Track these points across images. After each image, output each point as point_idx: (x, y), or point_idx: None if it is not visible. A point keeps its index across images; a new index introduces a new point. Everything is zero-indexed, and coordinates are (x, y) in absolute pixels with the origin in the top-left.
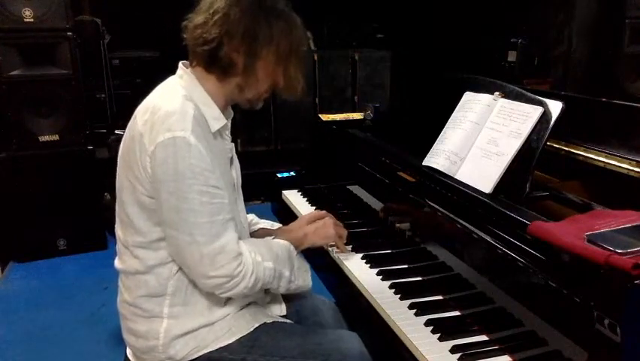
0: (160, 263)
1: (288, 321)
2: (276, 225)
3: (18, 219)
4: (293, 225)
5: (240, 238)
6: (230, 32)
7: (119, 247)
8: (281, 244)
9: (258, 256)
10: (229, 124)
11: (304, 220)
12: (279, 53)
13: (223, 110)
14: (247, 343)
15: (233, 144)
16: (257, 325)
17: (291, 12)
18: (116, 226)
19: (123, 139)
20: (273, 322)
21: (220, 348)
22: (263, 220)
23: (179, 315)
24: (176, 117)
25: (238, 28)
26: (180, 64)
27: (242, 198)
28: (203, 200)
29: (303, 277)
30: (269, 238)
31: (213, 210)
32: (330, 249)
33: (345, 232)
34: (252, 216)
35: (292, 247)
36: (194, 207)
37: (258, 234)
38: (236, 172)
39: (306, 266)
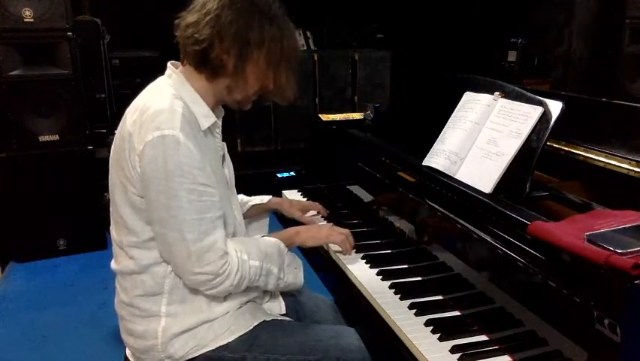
0: (155, 262)
1: (287, 319)
2: (266, 198)
3: (18, 219)
4: (288, 201)
5: (234, 235)
6: (221, 34)
7: (114, 247)
8: (271, 241)
9: (245, 254)
10: (220, 122)
11: (300, 204)
12: (269, 58)
13: (213, 108)
14: (247, 341)
15: (224, 143)
16: (256, 323)
17: (285, 17)
18: (110, 227)
19: (114, 140)
20: (273, 320)
21: (219, 347)
22: (253, 197)
23: (177, 313)
24: (165, 116)
25: (230, 30)
26: (169, 64)
27: (236, 195)
28: (192, 198)
29: (293, 274)
30: (259, 237)
31: (202, 207)
32: (330, 248)
33: (342, 239)
34: (241, 196)
35: (282, 245)
36: (183, 205)
37: (251, 212)
38: (228, 170)
39: (298, 263)
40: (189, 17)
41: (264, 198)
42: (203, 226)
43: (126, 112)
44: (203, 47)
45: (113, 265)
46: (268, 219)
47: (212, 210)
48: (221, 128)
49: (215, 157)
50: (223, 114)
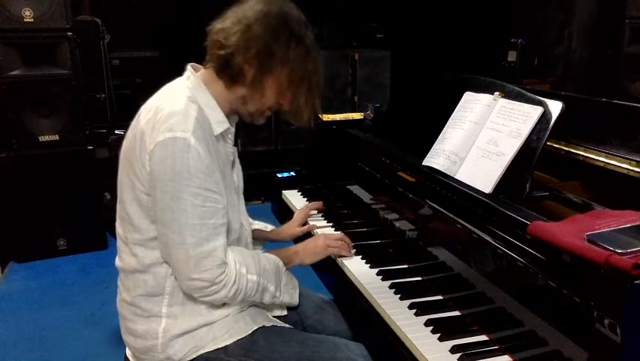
0: (157, 262)
1: (286, 326)
2: (270, 226)
3: (18, 219)
4: (285, 226)
5: (239, 241)
6: (248, 43)
7: (118, 244)
8: (270, 258)
9: (243, 267)
10: (233, 129)
11: (297, 221)
12: (291, 77)
13: (228, 115)
14: (245, 346)
15: (235, 148)
16: (256, 327)
17: (313, 43)
18: (116, 223)
19: (126, 137)
20: (272, 326)
21: (217, 349)
22: (257, 221)
23: (178, 315)
24: (178, 118)
25: (257, 42)
26: (189, 66)
27: (243, 201)
28: (196, 202)
29: (289, 294)
30: (259, 251)
31: (205, 213)
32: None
33: (338, 247)
34: None
35: (281, 263)
36: (187, 208)
37: (253, 235)
38: (237, 176)
39: (295, 283)
40: (223, 22)
41: (267, 226)
42: (204, 231)
43: (140, 110)
44: (228, 52)
45: (117, 261)
46: (262, 249)
47: (216, 216)
48: (233, 134)
49: (225, 163)
50: (237, 120)
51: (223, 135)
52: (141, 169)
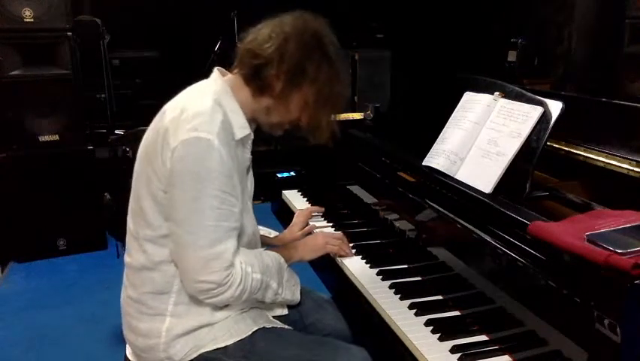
0: (166, 260)
1: (286, 327)
2: (274, 233)
3: (18, 219)
4: (287, 232)
5: (249, 246)
6: (282, 57)
7: (128, 239)
8: (272, 255)
9: (248, 266)
10: (252, 135)
11: (297, 225)
12: (317, 95)
13: (248, 122)
14: (244, 347)
15: (251, 156)
16: (256, 328)
17: (343, 66)
18: (127, 217)
19: (147, 132)
20: (272, 327)
21: (217, 349)
22: (261, 227)
23: (182, 314)
24: (204, 119)
25: (291, 57)
26: (216, 69)
27: (252, 207)
28: (214, 204)
29: (291, 291)
30: (261, 250)
31: (221, 215)
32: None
33: (337, 245)
34: None
35: (282, 260)
36: (203, 209)
37: None
38: (250, 183)
39: (296, 280)
40: (257, 33)
41: (271, 233)
42: (217, 233)
43: (165, 108)
44: (260, 62)
45: (126, 257)
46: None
47: (230, 219)
48: (252, 140)
49: (242, 168)
50: (255, 127)
51: (243, 141)
52: (161, 166)
